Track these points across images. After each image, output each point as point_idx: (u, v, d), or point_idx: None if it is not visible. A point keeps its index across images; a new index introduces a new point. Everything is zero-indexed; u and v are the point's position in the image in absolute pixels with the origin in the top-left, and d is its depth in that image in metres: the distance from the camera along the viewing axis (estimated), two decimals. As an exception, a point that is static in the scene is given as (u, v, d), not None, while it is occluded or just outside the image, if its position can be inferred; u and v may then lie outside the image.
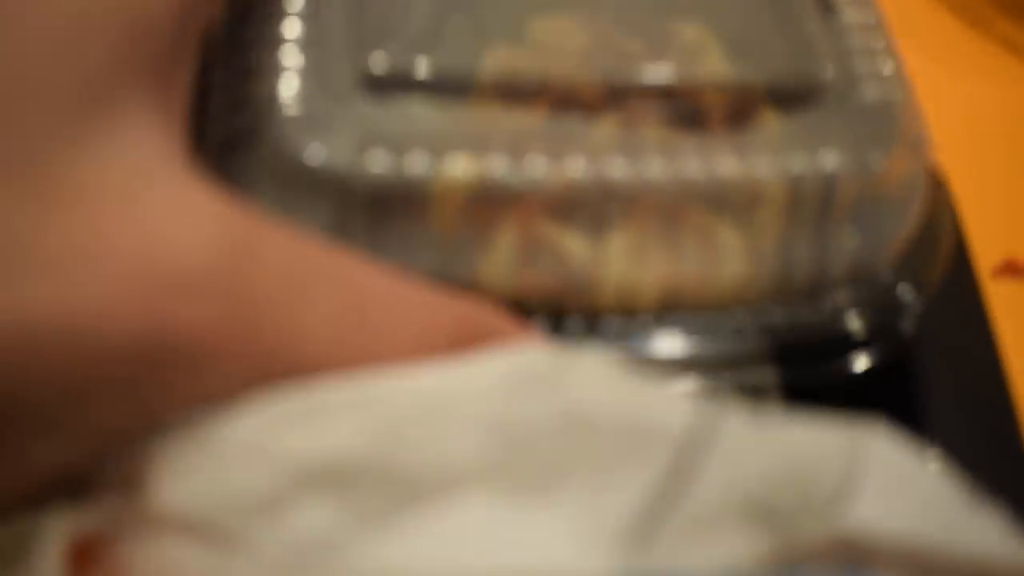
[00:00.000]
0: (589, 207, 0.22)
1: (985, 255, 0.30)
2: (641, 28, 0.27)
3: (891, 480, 0.15)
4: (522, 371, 0.15)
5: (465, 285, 0.21)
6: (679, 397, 0.16)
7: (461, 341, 0.16)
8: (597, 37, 0.26)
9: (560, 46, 0.26)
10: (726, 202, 0.23)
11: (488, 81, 0.24)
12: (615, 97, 0.25)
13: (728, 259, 0.22)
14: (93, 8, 0.13)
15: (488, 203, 0.21)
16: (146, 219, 0.13)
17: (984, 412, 0.28)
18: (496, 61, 0.25)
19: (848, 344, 0.24)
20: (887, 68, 0.25)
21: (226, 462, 0.14)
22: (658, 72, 0.25)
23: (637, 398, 0.15)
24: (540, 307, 0.21)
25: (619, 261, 0.21)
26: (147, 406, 0.14)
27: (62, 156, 0.13)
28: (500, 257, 0.21)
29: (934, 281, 0.25)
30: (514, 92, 0.24)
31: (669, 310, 0.22)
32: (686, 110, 0.25)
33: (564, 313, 0.21)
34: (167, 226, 0.13)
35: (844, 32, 0.26)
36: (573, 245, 0.21)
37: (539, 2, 0.27)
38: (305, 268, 0.15)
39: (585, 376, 0.15)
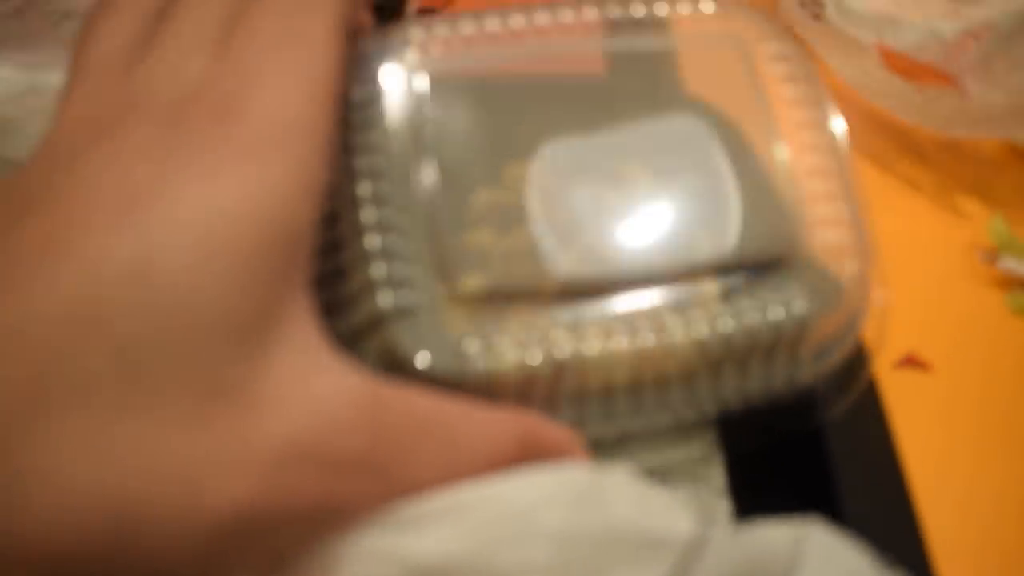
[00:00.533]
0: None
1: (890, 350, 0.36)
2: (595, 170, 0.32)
3: (825, 563, 0.20)
4: (573, 487, 0.20)
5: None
6: (683, 505, 0.21)
7: (527, 452, 0.20)
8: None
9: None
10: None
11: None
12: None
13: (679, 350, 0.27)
14: (261, 237, 0.17)
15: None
16: (314, 403, 0.17)
17: (881, 481, 0.33)
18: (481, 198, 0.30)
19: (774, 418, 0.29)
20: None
21: (356, 566, 0.18)
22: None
23: (652, 508, 0.20)
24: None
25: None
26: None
27: (244, 374, 0.17)
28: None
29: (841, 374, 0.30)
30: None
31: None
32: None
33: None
34: (331, 406, 0.17)
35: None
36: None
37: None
38: (416, 418, 0.19)
39: (616, 492, 0.20)
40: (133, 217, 0.16)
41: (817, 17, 0.44)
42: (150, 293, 0.16)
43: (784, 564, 0.20)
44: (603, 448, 0.26)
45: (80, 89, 0.19)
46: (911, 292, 0.39)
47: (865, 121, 0.46)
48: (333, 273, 0.25)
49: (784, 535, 0.20)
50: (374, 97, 0.27)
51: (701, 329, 0.26)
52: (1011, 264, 0.42)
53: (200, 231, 0.16)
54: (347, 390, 0.18)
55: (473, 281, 0.26)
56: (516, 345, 0.25)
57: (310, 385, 0.17)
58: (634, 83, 0.32)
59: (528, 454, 0.20)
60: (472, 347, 0.25)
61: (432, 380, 0.23)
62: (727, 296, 0.27)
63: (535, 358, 0.25)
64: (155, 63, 0.19)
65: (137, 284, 0.16)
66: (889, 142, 0.45)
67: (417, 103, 0.28)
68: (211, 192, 0.17)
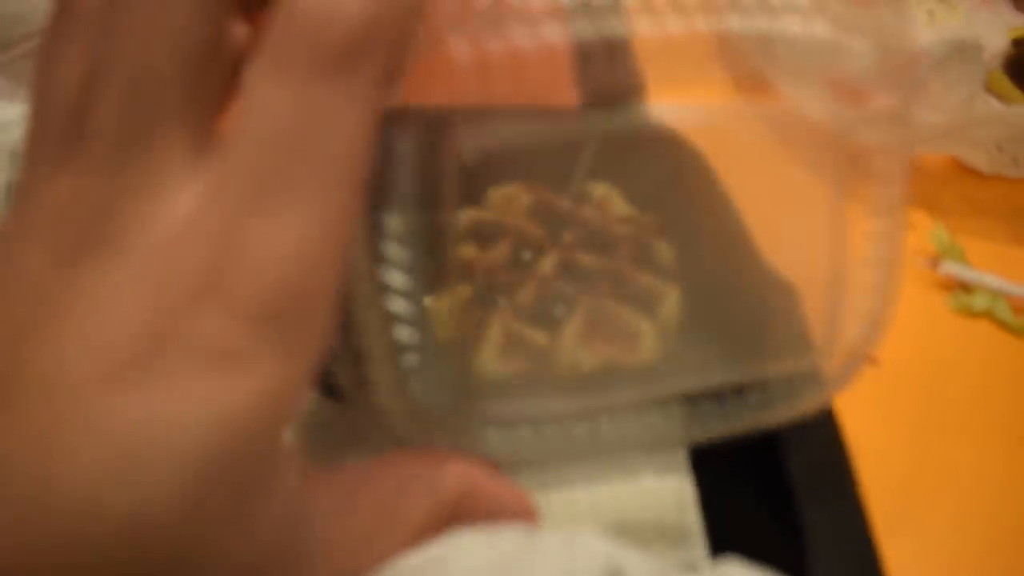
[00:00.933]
0: (546, 313, 0.32)
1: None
2: (565, 189, 0.38)
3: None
4: (501, 555, 0.20)
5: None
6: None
7: (463, 506, 0.21)
8: (541, 197, 0.36)
9: (512, 205, 0.36)
10: (639, 302, 0.33)
11: (463, 231, 0.35)
12: (553, 237, 0.35)
13: (643, 344, 0.32)
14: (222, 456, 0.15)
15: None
16: None
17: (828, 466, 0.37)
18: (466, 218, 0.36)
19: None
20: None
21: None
22: (581, 216, 0.36)
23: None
24: (517, 380, 0.31)
25: (569, 347, 0.31)
26: None
27: None
28: (490, 351, 0.31)
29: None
30: (483, 237, 0.35)
31: (605, 376, 0.31)
32: (601, 241, 0.36)
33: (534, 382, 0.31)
34: None
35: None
36: (538, 338, 0.31)
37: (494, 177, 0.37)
38: (341, 490, 0.20)
39: (543, 561, 0.21)
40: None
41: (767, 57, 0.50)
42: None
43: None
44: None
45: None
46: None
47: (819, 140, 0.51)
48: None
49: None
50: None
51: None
52: (952, 268, 0.47)
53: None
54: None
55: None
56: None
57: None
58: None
59: (468, 509, 0.21)
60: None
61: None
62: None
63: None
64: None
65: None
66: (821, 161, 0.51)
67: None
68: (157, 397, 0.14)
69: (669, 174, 0.39)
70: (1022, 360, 0.44)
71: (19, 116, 0.39)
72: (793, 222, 0.38)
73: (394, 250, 0.26)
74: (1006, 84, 0.53)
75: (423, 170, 0.32)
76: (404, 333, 0.26)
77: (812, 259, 0.31)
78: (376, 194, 0.28)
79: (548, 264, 0.34)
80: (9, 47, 0.43)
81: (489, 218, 0.36)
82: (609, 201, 0.38)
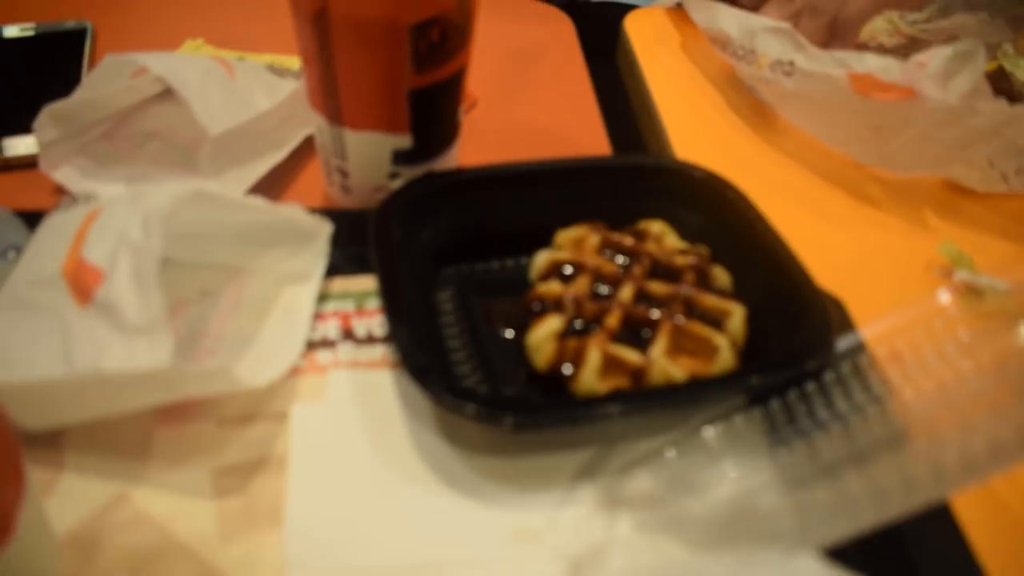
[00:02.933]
0: (635, 335, 0.36)
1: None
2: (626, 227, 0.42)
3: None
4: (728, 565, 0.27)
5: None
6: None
7: None
8: (607, 235, 0.41)
9: (582, 248, 0.41)
10: (710, 320, 0.37)
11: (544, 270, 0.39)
12: (625, 269, 0.40)
13: (721, 356, 0.36)
14: None
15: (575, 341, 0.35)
16: None
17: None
18: (543, 259, 0.40)
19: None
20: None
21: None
22: (645, 250, 0.40)
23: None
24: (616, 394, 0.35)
25: (660, 363, 0.35)
26: None
27: None
28: (589, 371, 0.35)
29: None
30: (563, 275, 0.39)
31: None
32: (666, 271, 0.40)
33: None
34: None
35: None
36: (632, 357, 0.35)
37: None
38: None
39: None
40: None
41: (789, 74, 0.55)
42: None
43: None
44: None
45: None
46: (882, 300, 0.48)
47: (839, 167, 0.56)
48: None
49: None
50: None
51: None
52: (963, 276, 0.51)
53: None
54: None
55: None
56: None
57: None
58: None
59: None
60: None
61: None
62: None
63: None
64: None
65: None
66: (857, 182, 0.56)
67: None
68: None
69: (713, 207, 0.44)
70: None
71: (99, 191, 0.42)
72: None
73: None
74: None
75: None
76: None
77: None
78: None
79: (626, 293, 0.38)
80: (87, 131, 0.47)
81: (565, 257, 0.40)
82: (665, 236, 0.43)
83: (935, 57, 0.51)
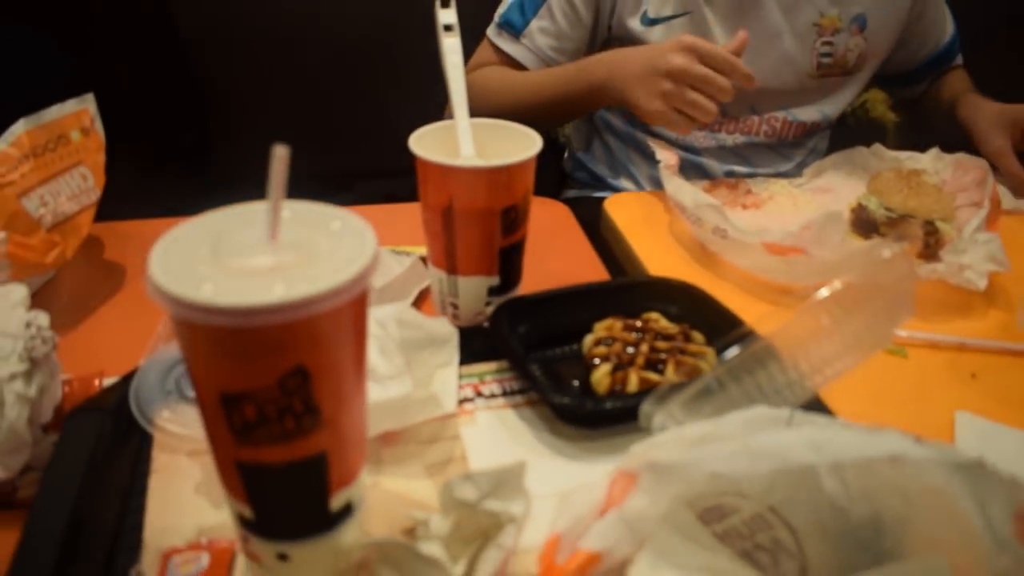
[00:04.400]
0: (654, 367, 0.62)
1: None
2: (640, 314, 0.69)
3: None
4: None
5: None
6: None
7: None
8: (625, 322, 0.68)
9: (612, 330, 0.67)
10: (694, 356, 0.64)
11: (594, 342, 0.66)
12: (640, 338, 0.66)
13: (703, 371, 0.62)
14: None
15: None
16: None
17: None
18: (591, 339, 0.67)
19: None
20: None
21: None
22: (650, 327, 0.67)
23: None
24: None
25: (669, 378, 0.61)
26: None
27: None
28: (631, 388, 0.61)
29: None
30: (605, 342, 0.65)
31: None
32: (664, 336, 0.66)
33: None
34: None
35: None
36: (654, 377, 0.61)
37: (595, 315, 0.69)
38: None
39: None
40: None
41: (724, 236, 0.84)
42: None
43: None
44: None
45: None
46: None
47: (761, 285, 0.85)
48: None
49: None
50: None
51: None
52: None
53: None
54: None
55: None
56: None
57: None
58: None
59: None
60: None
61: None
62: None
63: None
64: None
65: None
66: (772, 292, 0.84)
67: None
68: None
69: (687, 300, 0.71)
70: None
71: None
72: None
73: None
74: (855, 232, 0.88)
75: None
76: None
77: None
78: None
79: (644, 347, 0.64)
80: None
81: (603, 335, 0.67)
82: (658, 320, 0.69)
83: (814, 225, 0.81)
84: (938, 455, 0.39)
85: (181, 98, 1.12)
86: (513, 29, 1.18)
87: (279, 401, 0.40)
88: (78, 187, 0.77)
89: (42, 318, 0.58)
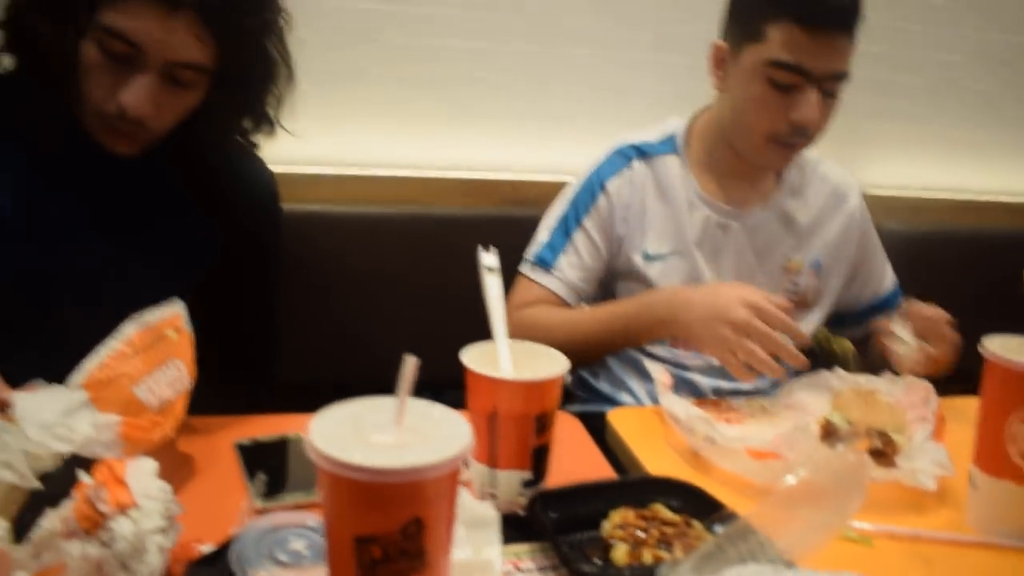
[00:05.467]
0: (665, 545, 0.76)
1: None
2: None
3: None
4: None
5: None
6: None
7: None
8: (636, 511, 0.82)
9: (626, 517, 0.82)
10: (697, 538, 0.78)
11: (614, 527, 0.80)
12: (649, 524, 0.80)
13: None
14: None
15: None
16: None
17: None
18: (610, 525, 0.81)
19: None
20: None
21: None
22: (656, 516, 0.82)
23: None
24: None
25: (678, 554, 0.75)
26: None
27: None
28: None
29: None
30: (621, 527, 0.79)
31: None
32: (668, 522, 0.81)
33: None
34: None
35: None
36: (665, 555, 0.75)
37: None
38: None
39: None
40: None
41: (712, 443, 1.00)
42: None
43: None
44: None
45: None
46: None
47: (745, 485, 0.99)
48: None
49: None
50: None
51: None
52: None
53: None
54: None
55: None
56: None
57: None
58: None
59: None
60: None
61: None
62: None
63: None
64: None
65: None
66: (755, 492, 0.98)
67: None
68: None
69: (688, 496, 0.86)
70: None
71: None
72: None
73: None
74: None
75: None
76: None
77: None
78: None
79: (655, 532, 0.78)
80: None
81: (619, 522, 0.81)
82: (663, 510, 0.84)
83: (785, 435, 0.98)
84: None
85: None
86: (546, 265, 1.39)
87: (400, 544, 0.55)
88: (173, 377, 0.93)
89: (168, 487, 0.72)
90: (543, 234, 1.43)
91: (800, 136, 1.29)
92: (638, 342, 1.37)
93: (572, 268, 1.39)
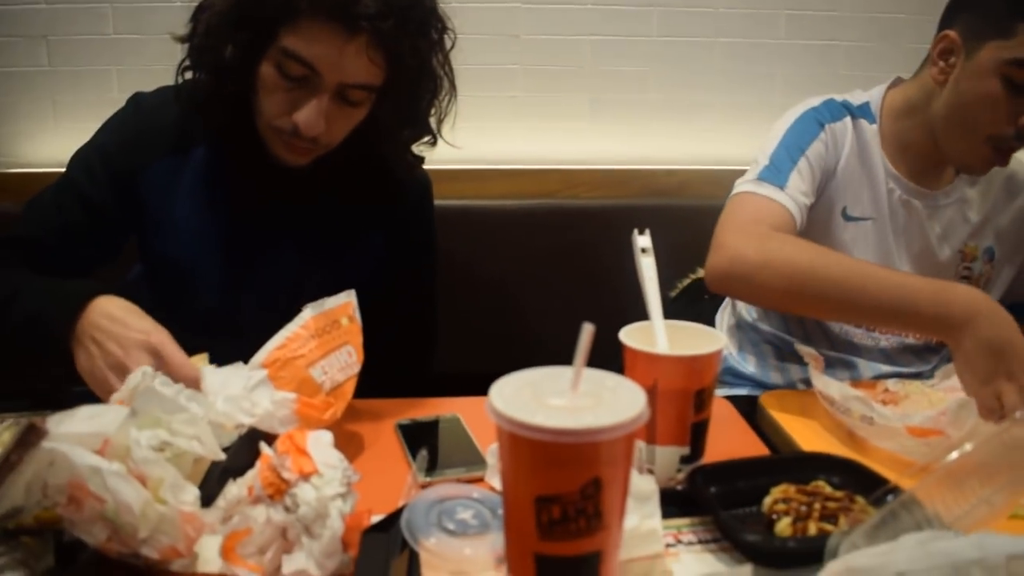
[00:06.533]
0: (829, 519, 0.76)
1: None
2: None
3: None
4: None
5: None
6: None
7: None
8: (798, 487, 0.82)
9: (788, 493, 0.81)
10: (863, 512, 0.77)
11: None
12: (812, 497, 0.80)
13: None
14: None
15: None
16: None
17: None
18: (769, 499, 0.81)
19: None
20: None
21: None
22: (819, 492, 0.81)
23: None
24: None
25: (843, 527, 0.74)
26: None
27: None
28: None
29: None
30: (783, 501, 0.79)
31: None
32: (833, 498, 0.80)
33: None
34: None
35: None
36: (828, 527, 0.75)
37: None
38: None
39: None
40: None
41: (871, 423, 0.98)
42: None
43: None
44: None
45: None
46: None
47: (897, 462, 0.97)
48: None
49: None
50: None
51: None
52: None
53: None
54: None
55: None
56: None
57: None
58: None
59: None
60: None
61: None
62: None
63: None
64: None
65: None
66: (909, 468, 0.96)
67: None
68: None
69: (848, 471, 0.85)
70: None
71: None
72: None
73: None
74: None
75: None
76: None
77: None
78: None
79: (818, 505, 0.78)
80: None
81: (781, 496, 0.81)
82: (824, 487, 0.83)
83: (948, 412, 0.95)
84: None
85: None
86: (776, 182, 1.27)
87: (578, 504, 0.57)
88: (345, 361, 0.98)
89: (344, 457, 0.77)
90: (762, 159, 1.31)
91: (1020, 141, 1.23)
92: (905, 326, 1.26)
93: (800, 191, 1.27)
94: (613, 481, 0.58)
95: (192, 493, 0.74)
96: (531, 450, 0.56)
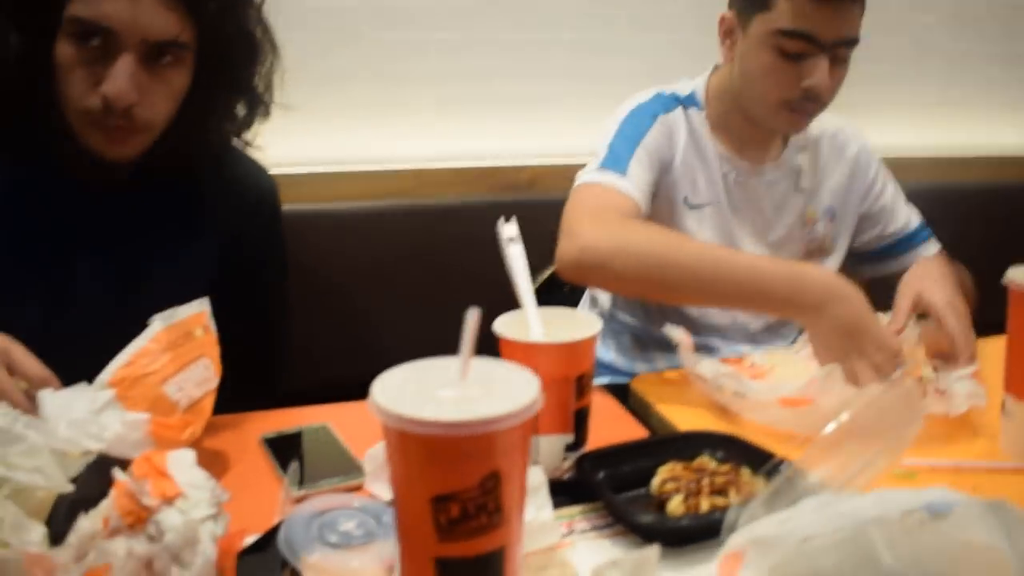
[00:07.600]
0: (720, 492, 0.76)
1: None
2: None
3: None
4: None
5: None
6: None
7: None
8: (684, 464, 0.81)
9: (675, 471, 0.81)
10: (744, 484, 0.77)
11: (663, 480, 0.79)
12: (697, 473, 0.80)
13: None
14: None
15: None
16: None
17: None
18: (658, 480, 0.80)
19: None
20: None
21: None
22: (704, 467, 0.81)
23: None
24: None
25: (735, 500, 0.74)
26: None
27: None
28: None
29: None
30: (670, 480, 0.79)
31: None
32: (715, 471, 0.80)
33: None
34: None
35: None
36: (719, 500, 0.74)
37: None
38: None
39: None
40: None
41: (743, 398, 1.00)
42: None
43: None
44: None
45: None
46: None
47: (771, 434, 0.99)
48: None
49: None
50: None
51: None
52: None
53: None
54: None
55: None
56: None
57: None
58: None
59: None
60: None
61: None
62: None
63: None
64: None
65: None
66: (790, 442, 0.98)
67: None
68: None
69: (728, 446, 0.85)
70: None
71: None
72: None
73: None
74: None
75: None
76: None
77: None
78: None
79: (707, 482, 0.78)
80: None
81: (669, 475, 0.80)
82: (709, 462, 0.83)
83: (817, 380, 0.98)
84: (971, 501, 0.53)
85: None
86: (617, 168, 1.28)
87: (478, 500, 0.53)
88: (202, 376, 0.90)
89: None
90: (601, 151, 1.32)
91: (812, 102, 1.28)
92: (760, 308, 1.27)
93: (642, 179, 1.29)
94: (512, 473, 0.55)
95: (38, 532, 0.67)
96: (423, 447, 0.53)
